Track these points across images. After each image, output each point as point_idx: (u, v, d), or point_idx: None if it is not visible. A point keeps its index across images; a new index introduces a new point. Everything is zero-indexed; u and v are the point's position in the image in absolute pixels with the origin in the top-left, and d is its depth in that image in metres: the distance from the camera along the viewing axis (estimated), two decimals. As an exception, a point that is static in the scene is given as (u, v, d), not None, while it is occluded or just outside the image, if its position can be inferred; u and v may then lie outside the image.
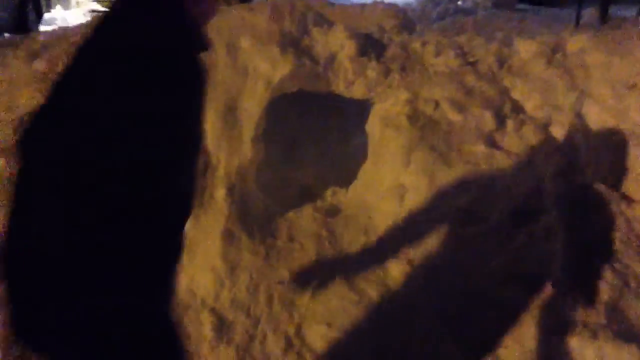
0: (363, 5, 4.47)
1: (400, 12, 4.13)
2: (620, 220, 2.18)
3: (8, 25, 7.68)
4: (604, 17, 5.46)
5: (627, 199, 2.30)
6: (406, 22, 4.03)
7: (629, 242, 2.12)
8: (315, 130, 2.82)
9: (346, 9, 4.09)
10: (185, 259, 2.25)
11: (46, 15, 9.72)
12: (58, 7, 11.15)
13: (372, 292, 2.04)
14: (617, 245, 2.10)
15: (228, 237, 2.29)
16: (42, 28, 7.27)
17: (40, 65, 2.80)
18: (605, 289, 1.93)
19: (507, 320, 1.93)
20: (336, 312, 2.01)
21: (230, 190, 2.37)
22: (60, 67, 2.73)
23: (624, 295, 1.94)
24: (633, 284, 1.99)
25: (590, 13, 6.41)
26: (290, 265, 2.25)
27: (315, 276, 2.17)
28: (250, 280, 2.21)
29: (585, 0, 5.96)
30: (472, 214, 2.18)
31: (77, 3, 11.82)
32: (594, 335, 1.76)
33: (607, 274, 1.98)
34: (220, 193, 2.36)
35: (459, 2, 9.84)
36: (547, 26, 5.83)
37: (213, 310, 2.05)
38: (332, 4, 4.56)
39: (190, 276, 2.14)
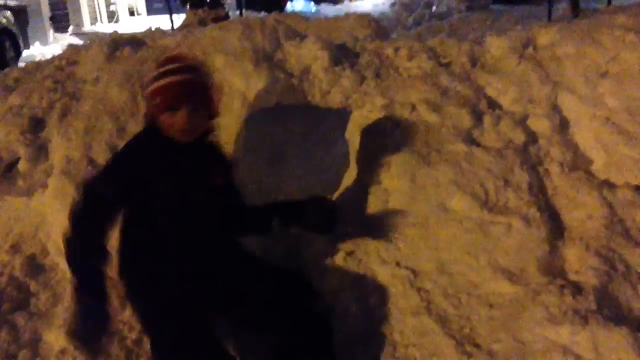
0: (336, 18, 4.52)
1: (372, 21, 4.17)
2: (603, 205, 2.19)
3: (-15, 63, 7.70)
4: (575, 11, 5.55)
5: (609, 184, 2.31)
6: (379, 30, 4.06)
7: (613, 227, 2.12)
8: (297, 142, 2.83)
9: (319, 22, 4.13)
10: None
11: (25, 53, 9.77)
12: (37, 43, 11.21)
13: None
14: (602, 230, 2.10)
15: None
16: (21, 65, 7.25)
17: (15, 99, 2.80)
18: (593, 275, 1.93)
19: (498, 314, 1.92)
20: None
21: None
22: (34, 101, 2.73)
23: (612, 279, 1.94)
24: (621, 268, 1.99)
25: (563, 8, 6.52)
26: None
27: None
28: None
29: (556, -5, 6.05)
30: (455, 211, 2.18)
31: (55, 39, 11.88)
32: (585, 322, 1.76)
33: (593, 260, 1.98)
34: (202, 212, 2.34)
35: (434, 8, 9.98)
36: (521, 23, 5.90)
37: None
38: (306, 19, 4.61)
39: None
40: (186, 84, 1.80)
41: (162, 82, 1.79)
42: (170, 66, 1.82)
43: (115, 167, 1.84)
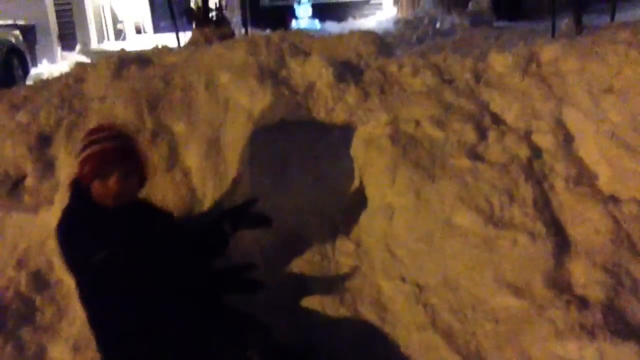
0: (341, 35, 4.55)
1: (377, 38, 4.19)
2: (608, 219, 2.18)
3: (-6, 81, 7.80)
4: (578, 27, 5.59)
5: (614, 199, 2.31)
6: (383, 47, 4.09)
7: (619, 242, 2.11)
8: (303, 158, 2.84)
9: (324, 40, 4.15)
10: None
11: (33, 71, 9.89)
12: (44, 62, 11.35)
13: (366, 311, 2.02)
14: (608, 244, 2.09)
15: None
16: (29, 83, 7.34)
17: (22, 117, 2.83)
18: (600, 289, 1.92)
19: (504, 329, 1.91)
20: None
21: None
22: (41, 118, 2.76)
23: (618, 294, 1.93)
24: (627, 282, 1.98)
25: (566, 24, 6.56)
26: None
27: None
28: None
29: (560, 10, 6.08)
30: (460, 226, 2.18)
31: (63, 57, 12.03)
32: (592, 336, 1.75)
33: (600, 274, 1.97)
34: (208, 227, 2.35)
35: (437, 25, 10.06)
36: (524, 39, 5.93)
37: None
38: (311, 36, 4.65)
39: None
40: (116, 151, 1.85)
41: (91, 150, 1.83)
42: (99, 135, 1.87)
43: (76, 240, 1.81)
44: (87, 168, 1.82)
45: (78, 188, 1.89)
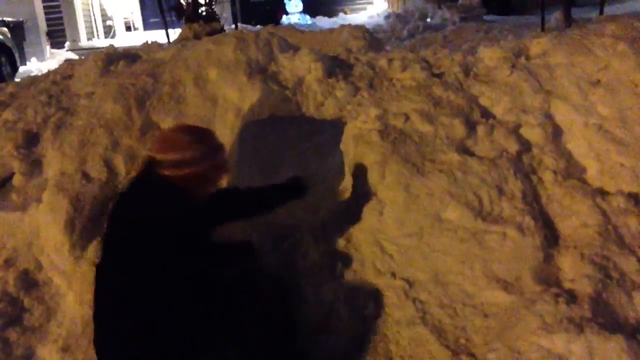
0: (330, 30, 4.54)
1: (366, 33, 4.19)
2: (596, 213, 2.19)
3: (-18, 79, 7.72)
4: (567, 20, 5.60)
5: (602, 192, 2.32)
6: (373, 42, 4.08)
7: (607, 235, 2.12)
8: (293, 153, 2.83)
9: (313, 34, 4.15)
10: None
11: (22, 68, 9.79)
12: (33, 59, 11.23)
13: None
14: (596, 238, 2.10)
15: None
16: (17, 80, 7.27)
17: (9, 115, 2.80)
18: (588, 283, 1.93)
19: (493, 323, 1.91)
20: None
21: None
22: (28, 116, 2.73)
23: (606, 287, 1.94)
24: (615, 276, 1.99)
25: (555, 18, 6.56)
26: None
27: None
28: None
29: (549, 4, 6.09)
30: (449, 221, 2.18)
31: (52, 54, 11.91)
32: (580, 330, 1.75)
33: (588, 268, 1.98)
34: (197, 224, 2.34)
35: (428, 20, 10.05)
36: (514, 33, 5.94)
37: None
38: (300, 31, 4.64)
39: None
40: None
41: (218, 159, 1.95)
42: (214, 142, 1.97)
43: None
44: (214, 173, 1.96)
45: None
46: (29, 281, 2.33)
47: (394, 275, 2.13)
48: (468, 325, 1.93)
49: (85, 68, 3.21)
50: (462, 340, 1.90)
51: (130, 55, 3.36)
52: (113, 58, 3.25)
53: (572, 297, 1.91)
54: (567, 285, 1.99)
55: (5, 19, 10.10)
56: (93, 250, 2.32)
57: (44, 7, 12.98)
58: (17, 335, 2.19)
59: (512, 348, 1.80)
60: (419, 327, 1.96)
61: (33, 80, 3.33)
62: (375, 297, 2.10)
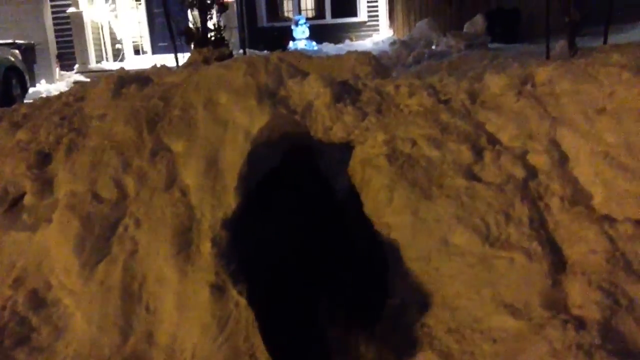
0: (338, 56, 4.60)
1: (373, 59, 4.24)
2: (604, 239, 2.20)
3: (-7, 100, 7.83)
4: (572, 49, 5.66)
5: (609, 219, 2.33)
6: (379, 68, 4.13)
7: (615, 261, 2.13)
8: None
9: (321, 60, 4.20)
10: (174, 314, 2.23)
11: (31, 90, 9.94)
12: (43, 81, 11.41)
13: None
14: (604, 264, 2.10)
15: (217, 291, 2.28)
16: (28, 102, 7.39)
17: (22, 135, 2.84)
18: (596, 309, 1.93)
19: (501, 349, 1.91)
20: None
21: (216, 242, 2.37)
22: (41, 136, 2.78)
23: (615, 314, 1.94)
24: (624, 302, 1.98)
25: (560, 46, 6.64)
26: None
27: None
28: (240, 334, 2.18)
29: (554, 33, 6.16)
30: (457, 245, 2.19)
31: (61, 76, 12.10)
32: (590, 356, 1.75)
33: (596, 294, 1.98)
34: (206, 247, 2.36)
35: (433, 47, 10.17)
36: (519, 61, 6.00)
37: (204, 365, 2.01)
38: (308, 57, 4.70)
39: (179, 330, 2.11)
40: None
41: None
42: None
43: None
44: None
45: None
46: (38, 301, 2.33)
47: (403, 298, 2.14)
48: (476, 350, 1.93)
49: (97, 90, 3.26)
50: (471, 367, 1.90)
51: (141, 79, 3.41)
52: (125, 81, 3.30)
53: (580, 324, 1.91)
54: (576, 311, 1.98)
55: (17, 41, 10.29)
56: (102, 271, 2.33)
57: (55, 31, 13.22)
58: (25, 355, 2.19)
59: (522, 375, 1.80)
60: (427, 352, 1.95)
61: (46, 102, 3.39)
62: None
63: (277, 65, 3.16)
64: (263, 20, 16.47)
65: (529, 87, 2.98)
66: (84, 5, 13.63)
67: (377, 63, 4.25)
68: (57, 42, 13.24)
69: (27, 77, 9.97)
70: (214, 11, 8.91)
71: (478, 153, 2.60)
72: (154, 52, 15.53)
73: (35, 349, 2.22)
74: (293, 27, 15.67)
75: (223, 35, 9.03)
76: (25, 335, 2.26)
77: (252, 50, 10.84)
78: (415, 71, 6.78)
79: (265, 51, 9.55)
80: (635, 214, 2.32)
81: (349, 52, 4.48)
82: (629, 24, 8.31)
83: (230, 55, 8.44)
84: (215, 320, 2.18)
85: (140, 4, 15.59)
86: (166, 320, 2.22)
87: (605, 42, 5.82)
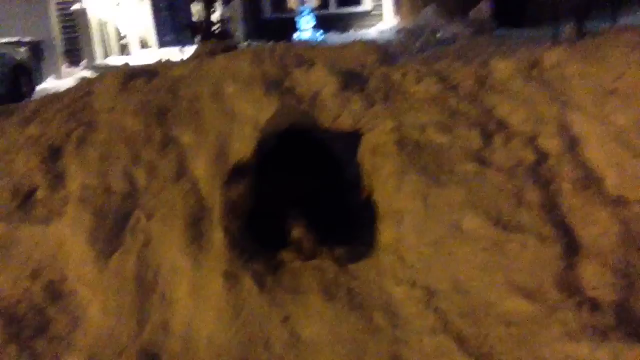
0: (344, 45, 4.59)
1: (379, 48, 4.22)
2: (616, 221, 2.19)
3: (2, 96, 7.88)
4: (580, 32, 5.60)
5: (622, 201, 2.32)
6: (385, 56, 4.11)
7: (628, 243, 2.12)
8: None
9: (327, 49, 4.19)
10: (189, 302, 2.25)
11: (38, 87, 9.98)
12: (50, 78, 11.45)
13: (379, 318, 2.03)
14: (617, 245, 2.10)
15: (230, 278, 2.29)
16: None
17: (33, 130, 2.86)
18: (611, 291, 1.92)
19: (516, 332, 1.91)
20: (345, 341, 2.00)
21: (228, 231, 2.39)
22: (51, 131, 2.79)
23: (630, 295, 1.93)
24: (638, 284, 1.98)
25: (568, 30, 6.57)
26: (295, 301, 2.25)
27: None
28: (254, 321, 2.20)
29: (562, 17, 6.09)
30: (469, 230, 2.19)
31: (68, 73, 12.13)
32: (605, 337, 1.75)
33: (610, 276, 1.97)
34: (218, 235, 2.37)
35: (439, 35, 10.09)
36: (526, 46, 5.94)
37: (217, 353, 2.03)
38: (314, 46, 4.68)
39: (194, 318, 2.13)
40: None
41: None
42: None
43: None
44: None
45: None
46: (55, 292, 2.36)
47: (414, 284, 2.14)
48: (490, 333, 1.93)
49: (105, 84, 3.27)
50: (485, 349, 1.90)
51: (148, 72, 3.42)
52: (132, 75, 3.31)
53: (595, 305, 1.91)
54: (590, 293, 1.98)
55: (24, 39, 10.34)
56: (117, 261, 2.35)
57: (61, 28, 13.25)
58: (44, 345, 2.21)
59: (537, 355, 1.80)
60: (441, 337, 1.96)
61: (55, 97, 3.40)
62: (395, 306, 2.11)
63: (283, 55, 3.16)
64: (268, 12, 16.42)
65: (537, 70, 2.96)
66: (88, 1, 13.64)
67: (384, 51, 4.23)
68: (63, 39, 13.26)
69: (34, 75, 10.02)
70: (216, 5, 8.91)
71: (487, 138, 2.59)
72: (160, 46, 15.52)
73: (54, 339, 2.24)
74: (297, 17, 15.60)
75: (227, 27, 9.02)
76: (43, 326, 2.28)
77: (256, 42, 10.81)
78: (421, 58, 6.74)
79: (270, 42, 9.51)
80: (648, 195, 2.30)
81: (354, 41, 4.46)
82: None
83: (235, 47, 8.43)
84: (230, 308, 2.20)
85: (145, -2, 15.59)
86: (181, 309, 2.24)
87: (614, 22, 5.75)
